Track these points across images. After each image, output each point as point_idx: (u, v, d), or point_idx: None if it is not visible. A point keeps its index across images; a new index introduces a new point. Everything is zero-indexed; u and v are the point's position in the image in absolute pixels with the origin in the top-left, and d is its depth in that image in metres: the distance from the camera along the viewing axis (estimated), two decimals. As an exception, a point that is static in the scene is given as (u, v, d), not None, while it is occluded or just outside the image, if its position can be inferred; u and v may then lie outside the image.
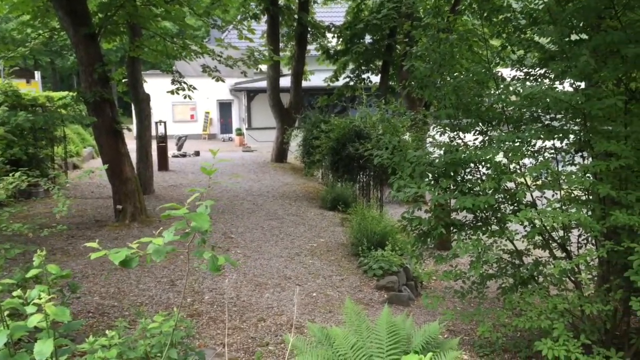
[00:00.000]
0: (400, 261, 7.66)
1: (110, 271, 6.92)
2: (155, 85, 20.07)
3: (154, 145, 15.38)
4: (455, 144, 6.11)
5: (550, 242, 5.82)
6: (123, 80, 13.31)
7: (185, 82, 12.63)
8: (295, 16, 18.56)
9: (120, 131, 9.91)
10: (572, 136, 5.68)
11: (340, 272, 7.63)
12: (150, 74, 23.66)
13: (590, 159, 5.54)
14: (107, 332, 2.83)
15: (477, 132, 6.23)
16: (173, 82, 12.71)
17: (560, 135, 5.62)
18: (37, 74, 22.52)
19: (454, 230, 5.97)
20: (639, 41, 4.99)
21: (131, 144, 11.65)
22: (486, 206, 5.28)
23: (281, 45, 20.16)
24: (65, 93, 15.67)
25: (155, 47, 11.78)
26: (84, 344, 2.83)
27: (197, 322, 5.52)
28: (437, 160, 5.79)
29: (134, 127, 14.15)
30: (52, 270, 2.72)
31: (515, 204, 5.73)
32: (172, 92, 12.57)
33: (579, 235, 5.98)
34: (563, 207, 5.14)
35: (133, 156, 11.25)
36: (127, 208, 9.79)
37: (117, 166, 9.77)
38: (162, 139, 17.51)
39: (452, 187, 5.65)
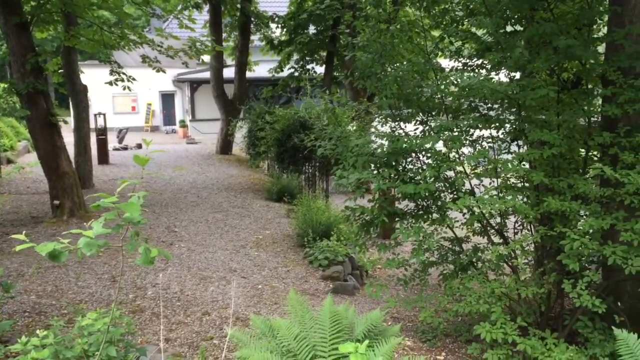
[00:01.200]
0: (346, 251, 7.72)
1: (47, 268, 6.68)
2: (94, 76, 19.41)
3: (94, 138, 14.91)
4: (397, 133, 6.20)
5: (488, 228, 6.00)
6: (59, 71, 12.82)
7: (124, 73, 12.27)
8: (238, 6, 18.30)
9: (56, 124, 9.54)
10: (508, 125, 5.85)
11: (286, 263, 7.63)
12: (88, 64, 22.91)
13: (525, 147, 5.73)
14: (37, 331, 2.73)
15: (418, 122, 6.33)
16: (112, 72, 12.33)
17: (497, 124, 5.79)
18: (-34, 65, 21.44)
19: (397, 219, 6.07)
20: (570, 32, 5.18)
21: (69, 137, 11.26)
22: (427, 194, 5.39)
23: (224, 35, 19.87)
24: (-4, 84, 14.93)
25: (93, 37, 11.35)
26: (17, 344, 2.74)
27: (139, 318, 5.41)
28: (379, 150, 5.86)
29: (71, 119, 13.66)
30: (-22, 270, 2.60)
31: (455, 192, 5.87)
32: (110, 83, 12.20)
33: (516, 222, 6.19)
34: (500, 195, 5.30)
35: (71, 150, 10.88)
36: (65, 203, 9.46)
37: (53, 160, 9.43)
38: (102, 132, 17.01)
39: (394, 176, 5.73)
